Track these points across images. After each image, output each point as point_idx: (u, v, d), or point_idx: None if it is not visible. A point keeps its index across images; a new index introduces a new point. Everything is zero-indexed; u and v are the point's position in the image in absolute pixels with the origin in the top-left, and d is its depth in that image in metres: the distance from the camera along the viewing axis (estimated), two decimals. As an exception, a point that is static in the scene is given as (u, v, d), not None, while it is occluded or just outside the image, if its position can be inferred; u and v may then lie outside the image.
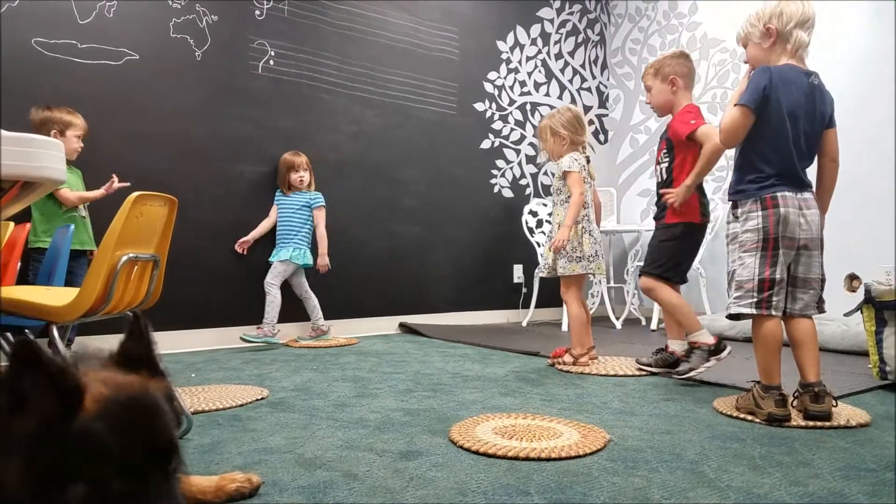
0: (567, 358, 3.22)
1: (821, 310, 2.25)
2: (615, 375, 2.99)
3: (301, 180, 4.16)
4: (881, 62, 4.19)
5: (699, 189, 2.87)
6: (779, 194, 2.16)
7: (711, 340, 2.72)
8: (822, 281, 2.25)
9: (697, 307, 5.04)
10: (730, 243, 2.30)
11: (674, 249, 2.88)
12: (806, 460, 1.75)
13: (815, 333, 2.22)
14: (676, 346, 2.99)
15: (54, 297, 1.76)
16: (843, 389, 2.57)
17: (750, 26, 2.28)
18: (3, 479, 0.75)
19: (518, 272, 5.43)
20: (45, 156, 1.09)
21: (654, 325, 4.72)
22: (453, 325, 4.82)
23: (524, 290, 5.38)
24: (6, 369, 0.78)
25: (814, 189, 2.26)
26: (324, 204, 4.22)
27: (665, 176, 2.94)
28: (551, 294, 5.16)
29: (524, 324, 5.08)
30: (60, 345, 1.67)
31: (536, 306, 5.11)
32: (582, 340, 3.22)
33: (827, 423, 2.07)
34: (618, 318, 4.97)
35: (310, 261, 4.16)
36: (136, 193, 1.71)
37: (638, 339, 4.15)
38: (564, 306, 3.70)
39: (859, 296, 2.81)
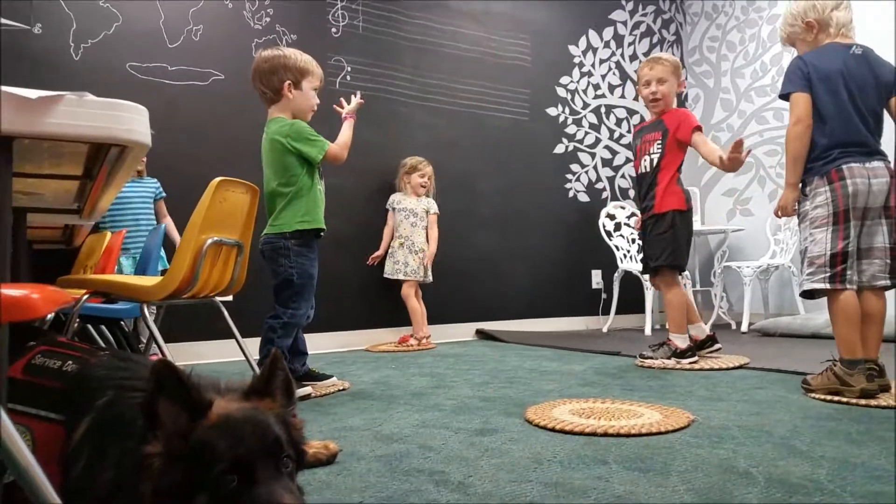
0: (412, 341, 4.14)
1: (895, 283, 2.17)
2: (701, 370, 2.87)
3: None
4: None
5: (680, 182, 3.09)
6: (844, 167, 2.12)
7: (683, 346, 3.00)
8: (893, 250, 2.15)
9: (790, 308, 4.78)
10: (801, 222, 2.27)
11: (671, 237, 3.03)
12: (912, 437, 1.62)
13: (883, 311, 2.17)
14: (694, 331, 3.13)
15: (144, 281, 1.87)
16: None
17: (789, 27, 2.33)
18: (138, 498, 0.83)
19: (597, 277, 5.32)
20: (132, 119, 1.14)
21: (744, 328, 4.50)
22: (531, 332, 4.77)
23: (604, 295, 5.26)
24: (146, 390, 0.86)
25: (890, 158, 2.17)
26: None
27: (652, 167, 3.12)
28: (633, 300, 5.04)
29: (604, 329, 4.96)
30: (151, 323, 1.76)
31: (617, 312, 4.98)
32: (420, 327, 4.20)
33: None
34: (706, 323, 4.76)
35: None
36: (218, 179, 1.80)
37: (728, 342, 3.95)
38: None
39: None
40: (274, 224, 2.47)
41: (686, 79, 5.91)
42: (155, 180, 3.58)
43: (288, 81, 2.48)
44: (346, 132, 2.69)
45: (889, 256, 2.15)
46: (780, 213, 2.32)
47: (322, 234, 2.59)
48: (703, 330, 3.20)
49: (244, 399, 0.96)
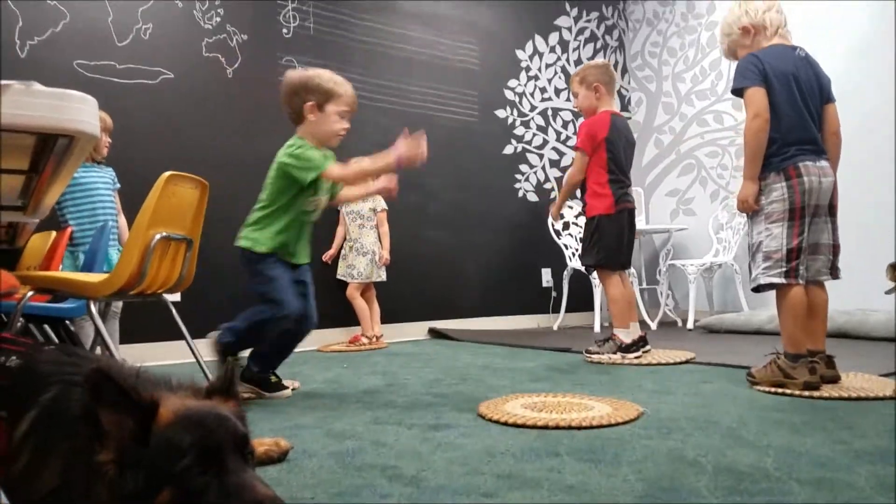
0: (363, 339, 4.14)
1: (834, 276, 2.27)
2: (649, 364, 2.93)
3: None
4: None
5: (612, 183, 3.08)
6: (800, 164, 2.18)
7: (628, 340, 3.05)
8: (835, 247, 2.25)
9: (734, 305, 4.94)
10: (753, 216, 2.30)
11: (598, 240, 3.10)
12: (850, 424, 1.69)
13: (827, 303, 2.27)
14: (621, 334, 3.10)
15: (90, 278, 1.80)
16: (890, 368, 2.52)
17: (727, 37, 2.40)
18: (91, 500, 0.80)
19: (546, 276, 5.40)
20: (80, 109, 1.10)
21: (690, 325, 4.62)
22: (483, 330, 4.80)
23: (553, 293, 5.34)
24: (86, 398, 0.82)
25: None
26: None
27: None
28: (582, 297, 5.12)
29: (555, 327, 5.03)
30: (98, 321, 1.70)
31: (567, 310, 5.05)
32: (369, 326, 4.20)
33: (871, 395, 2.02)
34: (652, 320, 4.90)
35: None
36: (168, 173, 1.75)
37: (674, 339, 4.06)
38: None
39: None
40: (246, 237, 2.28)
41: (629, 83, 6.05)
42: (111, 169, 3.34)
43: (311, 103, 2.31)
44: (366, 163, 2.43)
45: (832, 253, 2.25)
46: (741, 206, 2.31)
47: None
48: (636, 330, 3.15)
49: (205, 397, 0.95)
